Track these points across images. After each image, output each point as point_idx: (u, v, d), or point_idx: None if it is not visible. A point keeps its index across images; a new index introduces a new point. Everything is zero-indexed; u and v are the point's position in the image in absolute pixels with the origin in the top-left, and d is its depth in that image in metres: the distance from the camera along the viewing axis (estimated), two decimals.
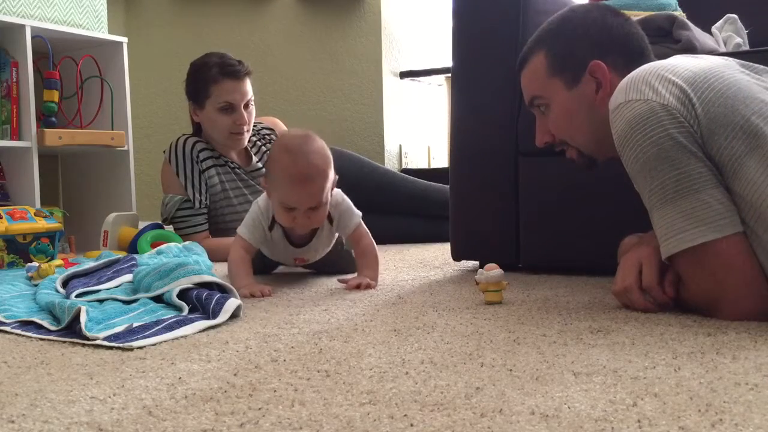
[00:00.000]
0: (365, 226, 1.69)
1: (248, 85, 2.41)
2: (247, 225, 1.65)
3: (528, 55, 1.41)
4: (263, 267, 1.87)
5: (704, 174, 1.12)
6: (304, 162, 1.52)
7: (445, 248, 2.09)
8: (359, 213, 1.69)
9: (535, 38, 1.41)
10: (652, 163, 1.15)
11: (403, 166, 3.58)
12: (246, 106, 2.40)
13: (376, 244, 1.70)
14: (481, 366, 0.91)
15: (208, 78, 2.37)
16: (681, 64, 1.20)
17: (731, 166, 1.12)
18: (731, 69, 1.19)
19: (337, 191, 1.67)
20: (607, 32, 1.34)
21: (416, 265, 2.05)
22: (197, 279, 1.36)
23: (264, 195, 1.66)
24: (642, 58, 1.33)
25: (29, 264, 1.88)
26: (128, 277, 1.53)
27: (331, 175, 1.58)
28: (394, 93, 3.57)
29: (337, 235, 1.74)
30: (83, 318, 1.16)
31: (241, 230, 1.65)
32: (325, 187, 1.55)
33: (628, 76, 1.22)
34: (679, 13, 1.84)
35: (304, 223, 1.58)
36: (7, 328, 1.23)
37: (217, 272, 1.55)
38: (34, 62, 2.59)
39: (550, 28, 1.40)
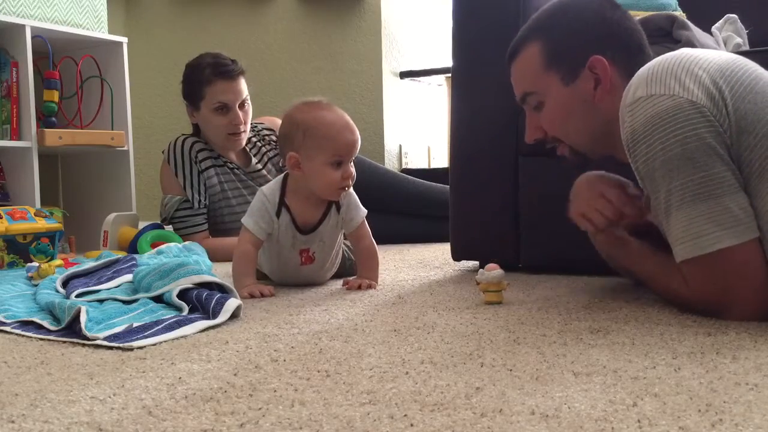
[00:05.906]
0: (368, 226, 1.67)
1: (242, 85, 2.37)
2: (252, 214, 1.59)
3: (521, 45, 1.33)
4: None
5: (728, 178, 1.08)
6: (342, 113, 1.63)
7: (445, 248, 2.09)
8: (365, 210, 1.66)
9: (529, 28, 1.33)
10: (674, 162, 1.10)
11: (403, 166, 3.58)
12: (242, 105, 2.37)
13: (376, 244, 1.70)
14: (481, 366, 0.91)
15: (201, 79, 2.34)
16: (706, 56, 1.14)
17: (760, 164, 1.08)
18: (750, 63, 1.14)
19: None
20: (607, 26, 1.28)
21: (416, 265, 2.05)
22: (197, 279, 1.36)
23: (269, 184, 1.63)
24: (641, 54, 1.28)
25: (29, 264, 1.89)
26: (128, 277, 1.53)
27: None
28: (394, 93, 3.57)
29: (341, 233, 1.70)
30: (83, 318, 1.16)
31: (246, 220, 1.59)
32: None
33: (648, 67, 1.16)
34: (679, 13, 1.84)
35: (349, 180, 1.58)
36: (7, 328, 1.23)
37: (217, 272, 1.55)
38: (34, 62, 2.59)
39: (545, 18, 1.33)
